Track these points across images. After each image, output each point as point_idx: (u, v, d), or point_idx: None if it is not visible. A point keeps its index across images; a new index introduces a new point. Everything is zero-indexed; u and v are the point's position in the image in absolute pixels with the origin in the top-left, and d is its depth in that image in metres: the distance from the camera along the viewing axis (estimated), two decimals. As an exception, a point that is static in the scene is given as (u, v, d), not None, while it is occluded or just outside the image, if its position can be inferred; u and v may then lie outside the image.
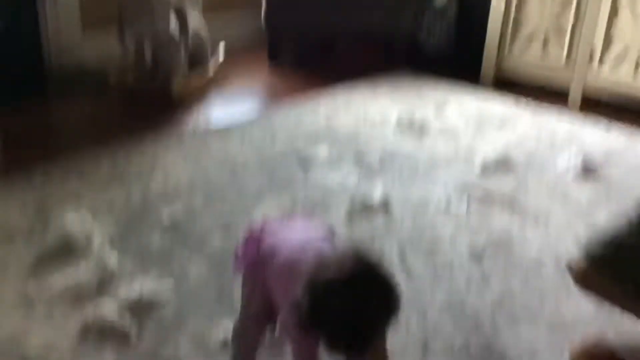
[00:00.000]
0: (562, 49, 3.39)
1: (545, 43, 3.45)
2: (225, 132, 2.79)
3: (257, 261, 1.30)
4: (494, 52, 3.60)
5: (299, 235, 1.27)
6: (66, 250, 1.83)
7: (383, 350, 1.28)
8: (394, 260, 1.88)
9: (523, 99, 3.41)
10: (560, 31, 3.39)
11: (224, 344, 1.49)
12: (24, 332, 1.50)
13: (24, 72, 3.03)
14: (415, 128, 2.90)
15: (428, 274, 1.83)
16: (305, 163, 2.50)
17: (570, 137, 2.95)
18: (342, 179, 2.36)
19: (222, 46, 3.59)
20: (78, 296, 1.64)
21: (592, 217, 2.21)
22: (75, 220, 1.88)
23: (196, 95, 3.24)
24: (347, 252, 1.13)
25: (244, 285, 1.37)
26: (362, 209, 2.15)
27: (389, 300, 1.08)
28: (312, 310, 1.06)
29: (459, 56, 3.88)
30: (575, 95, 3.39)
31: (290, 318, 1.12)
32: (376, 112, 3.11)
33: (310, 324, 1.08)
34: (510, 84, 3.61)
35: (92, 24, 3.48)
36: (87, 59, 3.51)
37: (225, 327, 1.52)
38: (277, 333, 1.37)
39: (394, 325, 1.10)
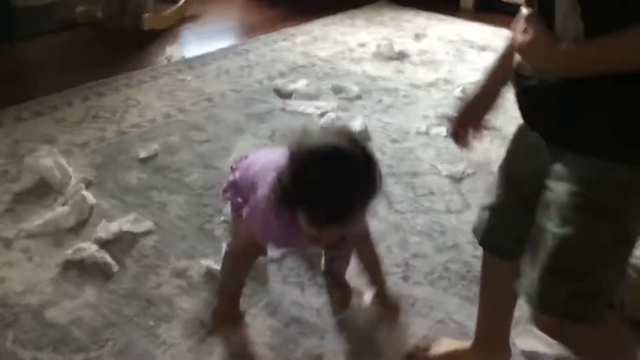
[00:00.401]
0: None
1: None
2: (200, 65, 2.73)
3: (240, 192, 1.31)
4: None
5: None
6: (42, 192, 1.80)
7: (364, 230, 1.30)
8: (374, 188, 1.88)
9: (505, 22, 3.35)
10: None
11: (205, 278, 1.49)
12: (2, 272, 1.49)
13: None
14: (394, 57, 2.85)
15: (408, 200, 1.83)
16: (282, 94, 2.46)
17: (551, 59, 2.92)
18: (321, 109, 2.33)
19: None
20: (56, 236, 1.62)
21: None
22: (49, 161, 1.84)
23: (168, 30, 3.14)
24: (331, 128, 1.13)
25: (232, 218, 1.40)
26: (341, 138, 2.12)
27: (370, 174, 1.07)
28: (294, 178, 1.05)
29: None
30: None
31: (270, 194, 1.12)
32: (354, 43, 3.04)
33: (291, 195, 1.06)
34: (491, 7, 3.53)
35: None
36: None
37: (206, 262, 1.52)
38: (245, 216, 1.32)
39: (375, 203, 1.10)
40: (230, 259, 1.34)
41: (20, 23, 3.12)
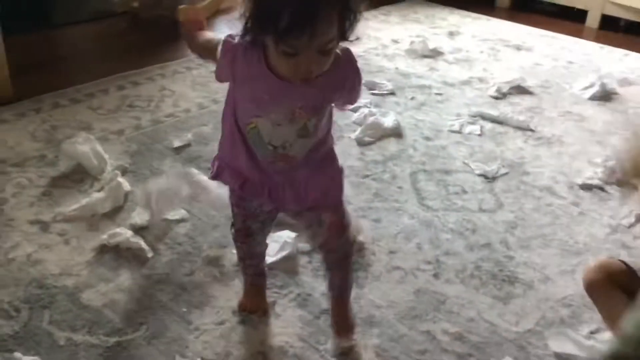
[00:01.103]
0: (582, -32, 3.26)
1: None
2: (234, 58, 2.74)
3: None
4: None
5: None
6: (79, 177, 1.83)
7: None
8: (407, 184, 1.87)
9: (540, 22, 3.31)
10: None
11: (237, 267, 1.51)
12: (40, 254, 1.53)
13: (28, 0, 2.96)
14: (428, 54, 2.83)
15: (440, 197, 1.83)
16: (316, 89, 2.46)
17: (587, 60, 2.88)
18: (354, 104, 2.32)
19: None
20: (92, 220, 1.65)
21: (607, 141, 2.18)
22: (86, 147, 1.87)
23: (203, 22, 3.16)
24: None
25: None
26: (374, 134, 2.12)
27: None
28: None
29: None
30: (594, 16, 3.28)
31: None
32: (388, 39, 3.03)
33: (255, 16, 0.97)
34: (527, 6, 3.49)
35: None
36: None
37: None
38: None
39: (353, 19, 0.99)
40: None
41: (59, 11, 3.18)
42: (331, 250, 1.25)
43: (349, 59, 1.09)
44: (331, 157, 1.19)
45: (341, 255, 1.27)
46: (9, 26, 2.26)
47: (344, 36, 1.01)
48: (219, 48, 1.10)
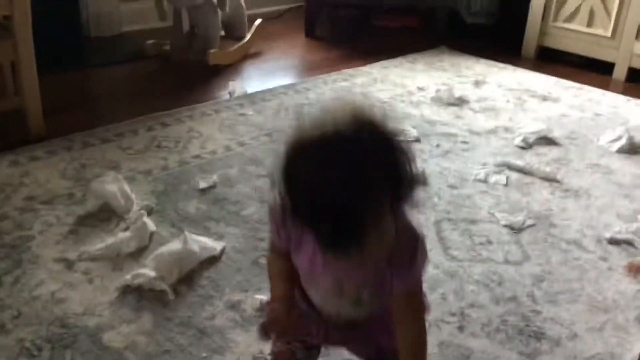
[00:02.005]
0: (609, 20, 3.27)
1: (591, 14, 3.34)
2: (261, 101, 2.78)
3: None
4: (538, 22, 3.50)
5: None
6: (105, 216, 1.85)
7: (412, 282, 0.98)
8: (431, 233, 1.86)
9: (566, 73, 3.32)
10: (607, 1, 3.27)
11: (259, 312, 1.50)
12: (63, 293, 1.53)
13: (63, 41, 3.05)
14: (453, 102, 2.84)
15: (465, 247, 1.81)
16: (341, 134, 2.47)
17: (614, 112, 2.86)
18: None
19: (259, 21, 3.56)
20: (117, 260, 1.66)
21: (635, 195, 2.15)
22: (114, 187, 1.90)
23: (232, 66, 3.23)
24: (334, 106, 0.84)
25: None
26: (398, 181, 2.12)
27: (386, 161, 0.80)
28: (285, 185, 0.81)
29: (501, 27, 3.79)
30: (620, 69, 3.28)
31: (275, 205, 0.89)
32: (414, 87, 3.05)
33: (289, 208, 0.83)
34: (553, 58, 3.51)
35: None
36: (125, 28, 3.53)
37: (260, 297, 1.53)
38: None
39: (417, 204, 0.84)
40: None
41: (92, 52, 3.27)
42: None
43: (408, 237, 0.95)
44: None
45: None
46: (43, 66, 2.33)
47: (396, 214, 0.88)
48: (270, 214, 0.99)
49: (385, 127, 0.82)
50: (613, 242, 1.87)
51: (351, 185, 0.77)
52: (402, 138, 0.83)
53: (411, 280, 1.00)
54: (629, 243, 1.86)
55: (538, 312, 1.56)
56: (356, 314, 0.99)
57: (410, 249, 0.95)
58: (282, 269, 1.03)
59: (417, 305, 1.02)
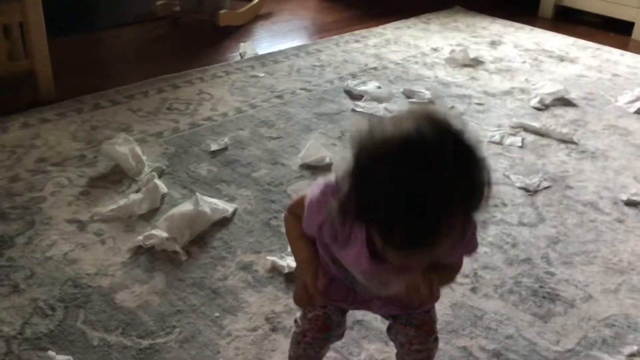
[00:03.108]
0: (630, -22, 3.17)
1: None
2: (272, 63, 2.74)
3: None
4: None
5: None
6: (116, 178, 1.85)
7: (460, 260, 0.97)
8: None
9: (584, 33, 3.24)
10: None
11: (271, 273, 1.50)
12: (76, 254, 1.54)
13: (72, 2, 3.02)
14: (468, 63, 2.79)
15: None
16: (353, 95, 2.44)
17: (633, 73, 2.80)
18: (392, 112, 2.30)
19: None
20: (129, 221, 1.66)
21: (655, 156, 2.11)
22: (125, 149, 1.89)
23: (243, 27, 3.19)
24: (410, 112, 0.81)
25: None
26: (412, 143, 2.09)
27: (467, 170, 0.78)
28: (357, 185, 0.79)
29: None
30: (641, 29, 3.19)
31: (333, 207, 0.84)
32: (427, 48, 2.99)
33: (354, 207, 0.80)
34: (571, 17, 3.42)
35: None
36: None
37: (272, 258, 1.52)
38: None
39: (483, 211, 0.81)
40: (285, 221, 1.07)
41: (102, 14, 3.23)
42: (416, 350, 1.07)
43: (472, 231, 0.93)
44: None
45: (424, 356, 1.09)
46: (53, 28, 2.31)
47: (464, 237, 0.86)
48: (305, 202, 0.95)
49: (467, 137, 0.79)
50: (630, 203, 1.84)
51: (432, 190, 0.75)
52: (481, 150, 0.80)
53: (462, 254, 0.99)
54: (646, 205, 1.83)
55: (552, 274, 1.55)
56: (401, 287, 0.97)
57: (471, 239, 0.94)
58: (304, 232, 1.00)
59: (459, 265, 1.01)
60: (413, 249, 0.79)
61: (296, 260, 1.03)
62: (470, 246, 0.96)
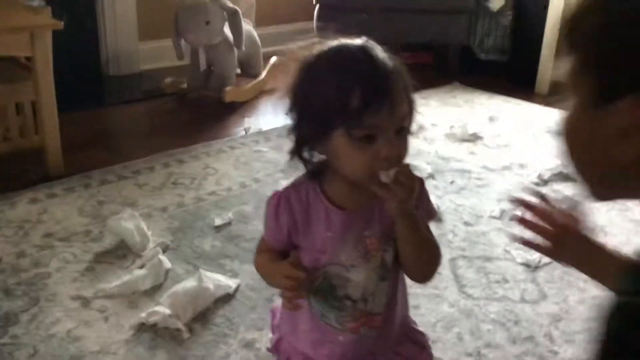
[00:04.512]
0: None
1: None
2: (276, 137, 2.81)
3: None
4: (551, 58, 3.52)
5: None
6: (121, 253, 1.87)
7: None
8: (446, 270, 1.85)
9: (580, 109, 3.32)
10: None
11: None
12: (79, 331, 1.54)
13: (83, 80, 3.13)
14: (467, 138, 2.85)
15: (481, 285, 1.79)
16: (355, 171, 2.49)
17: (630, 148, 2.85)
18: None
19: (274, 58, 3.62)
20: (132, 298, 1.67)
21: (654, 231, 2.13)
22: (131, 224, 1.92)
23: (248, 103, 3.28)
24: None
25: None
26: (413, 218, 2.12)
27: (393, 57, 0.93)
28: (308, 85, 0.93)
29: (514, 63, 3.81)
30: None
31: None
32: (427, 123, 3.07)
33: (311, 110, 0.93)
34: (565, 94, 3.51)
35: (148, 33, 3.57)
36: (144, 66, 3.61)
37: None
38: None
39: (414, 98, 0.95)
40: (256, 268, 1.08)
41: (111, 90, 3.34)
42: None
43: (420, 182, 1.01)
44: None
45: None
46: (64, 105, 2.38)
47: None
48: (265, 211, 1.01)
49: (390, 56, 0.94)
50: (631, 280, 1.84)
51: (374, 63, 0.90)
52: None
53: (432, 215, 1.06)
54: (647, 281, 1.84)
55: (555, 353, 1.54)
56: (381, 294, 1.00)
57: (424, 191, 1.02)
58: (274, 256, 1.02)
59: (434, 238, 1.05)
60: (374, 106, 0.88)
61: (274, 274, 0.99)
62: (430, 209, 1.04)
